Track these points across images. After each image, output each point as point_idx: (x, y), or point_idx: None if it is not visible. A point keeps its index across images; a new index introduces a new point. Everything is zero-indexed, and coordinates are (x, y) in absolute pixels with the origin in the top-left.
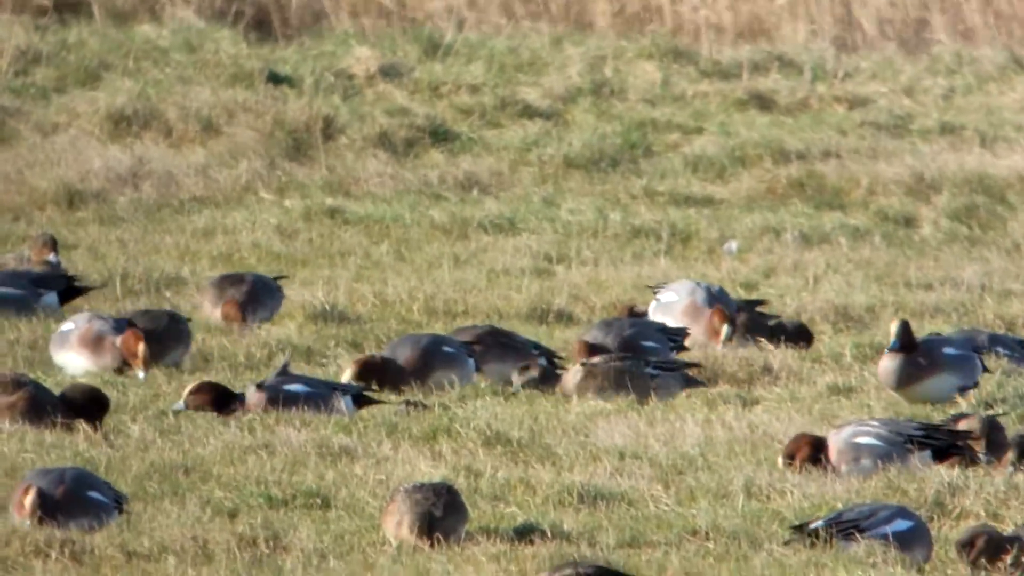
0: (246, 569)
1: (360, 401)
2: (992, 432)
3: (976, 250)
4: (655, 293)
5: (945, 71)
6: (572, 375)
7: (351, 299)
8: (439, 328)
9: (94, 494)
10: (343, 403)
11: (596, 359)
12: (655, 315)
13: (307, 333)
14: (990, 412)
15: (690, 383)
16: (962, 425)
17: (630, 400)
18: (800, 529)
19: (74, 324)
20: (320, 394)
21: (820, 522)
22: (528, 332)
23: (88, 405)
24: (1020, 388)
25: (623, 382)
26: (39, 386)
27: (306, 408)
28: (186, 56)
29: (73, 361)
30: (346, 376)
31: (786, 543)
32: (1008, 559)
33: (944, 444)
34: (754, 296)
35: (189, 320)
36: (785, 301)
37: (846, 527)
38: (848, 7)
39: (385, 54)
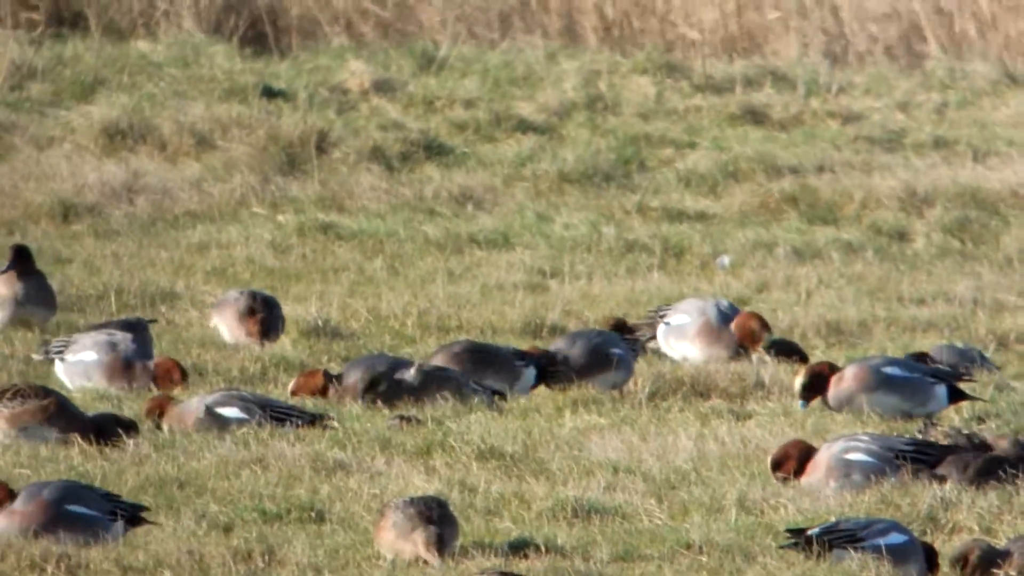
0: None
1: (310, 426)
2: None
3: (969, 264)
4: (661, 317)
5: (938, 86)
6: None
7: (344, 314)
8: (431, 343)
9: (76, 508)
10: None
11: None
12: (666, 340)
13: (300, 348)
14: (981, 426)
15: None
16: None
17: (622, 414)
18: (797, 534)
19: (96, 354)
20: (255, 422)
21: (816, 530)
22: (521, 347)
23: (117, 429)
24: (1013, 402)
25: (439, 390)
26: (63, 395)
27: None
28: (181, 71)
29: (100, 386)
30: (292, 386)
31: (782, 547)
32: (1001, 574)
33: (935, 461)
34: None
35: (153, 321)
36: (777, 316)
37: (842, 536)
38: (840, 22)
39: (379, 69)
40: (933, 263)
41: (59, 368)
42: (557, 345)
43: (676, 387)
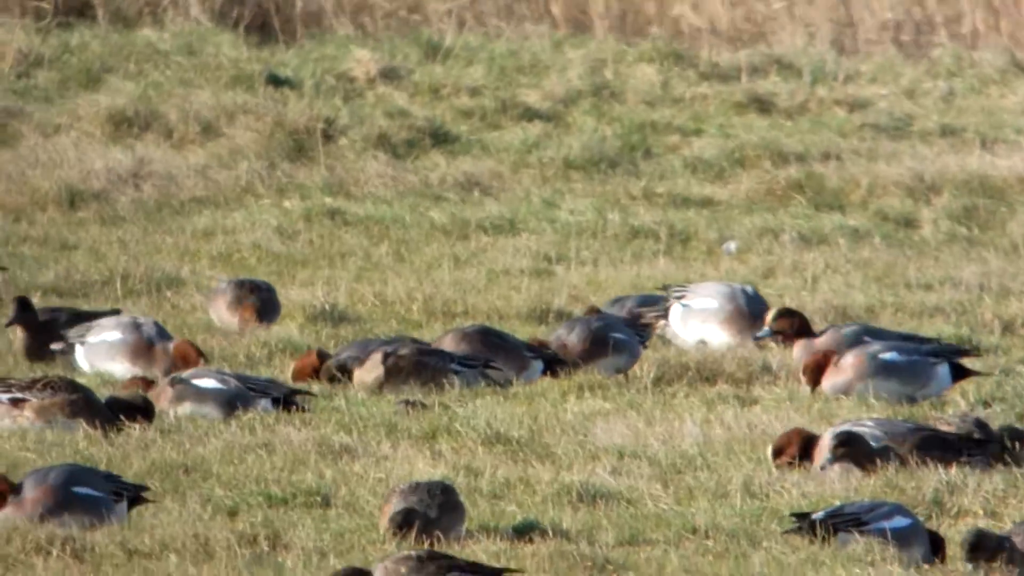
0: (247, 567)
1: (285, 404)
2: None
3: (975, 251)
4: (678, 297)
5: (945, 74)
6: (372, 367)
7: (351, 300)
8: (437, 328)
9: (83, 490)
10: (262, 404)
11: (404, 351)
12: (683, 322)
13: (307, 333)
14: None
15: (487, 378)
16: (941, 426)
17: (628, 399)
18: (802, 518)
19: (120, 334)
20: (234, 393)
21: (821, 514)
22: (527, 332)
23: (135, 410)
24: (1019, 387)
25: (425, 375)
26: (89, 389)
27: (216, 407)
28: (187, 59)
29: (120, 370)
30: (292, 372)
31: (786, 532)
32: (1003, 559)
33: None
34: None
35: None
36: (784, 301)
37: (846, 520)
38: (848, 10)
39: (385, 56)
40: (940, 249)
41: (79, 352)
42: (558, 332)
43: (682, 372)
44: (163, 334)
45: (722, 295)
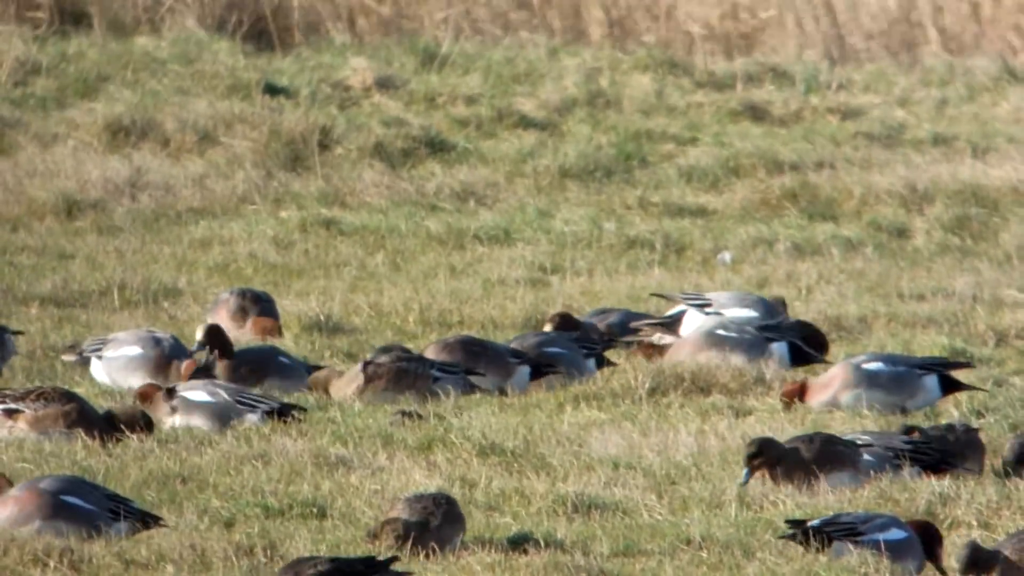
0: None
1: (278, 415)
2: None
3: (968, 260)
4: (699, 305)
5: (938, 82)
6: (352, 376)
7: (346, 310)
8: (432, 338)
9: (71, 499)
10: (252, 418)
11: (382, 358)
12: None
13: (302, 344)
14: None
15: (469, 387)
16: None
17: (623, 410)
18: (797, 525)
19: (141, 348)
20: (224, 406)
21: (816, 522)
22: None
23: (135, 424)
24: (1012, 397)
25: (406, 382)
26: (84, 399)
27: (206, 419)
28: (184, 67)
29: (139, 384)
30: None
31: (780, 538)
32: (997, 571)
33: (933, 460)
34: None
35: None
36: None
37: (841, 529)
38: (839, 20)
39: (381, 65)
40: (933, 259)
41: (96, 366)
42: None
43: (676, 383)
44: (181, 349)
45: (759, 304)
